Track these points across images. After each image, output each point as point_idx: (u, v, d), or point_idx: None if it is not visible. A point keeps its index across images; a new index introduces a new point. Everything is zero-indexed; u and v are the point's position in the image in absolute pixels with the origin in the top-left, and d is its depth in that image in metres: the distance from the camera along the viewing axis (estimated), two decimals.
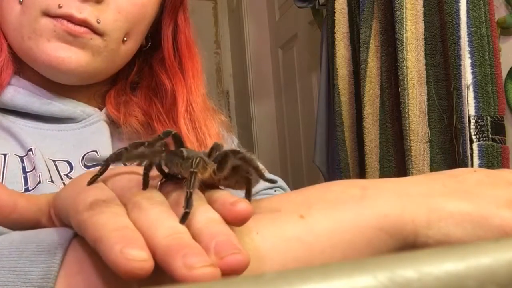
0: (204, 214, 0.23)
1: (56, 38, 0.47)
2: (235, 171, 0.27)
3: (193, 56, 0.59)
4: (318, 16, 1.71)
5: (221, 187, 0.28)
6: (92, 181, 0.26)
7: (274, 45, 2.35)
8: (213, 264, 0.20)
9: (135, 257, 0.20)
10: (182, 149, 0.27)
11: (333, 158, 1.36)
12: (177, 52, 0.58)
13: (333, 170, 1.36)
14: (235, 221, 0.23)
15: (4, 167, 0.46)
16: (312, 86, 1.91)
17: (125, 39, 0.51)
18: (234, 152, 0.27)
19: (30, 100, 0.49)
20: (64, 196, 0.27)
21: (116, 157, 0.26)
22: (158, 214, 0.23)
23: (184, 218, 0.22)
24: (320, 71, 1.49)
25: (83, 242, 0.23)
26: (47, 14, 0.46)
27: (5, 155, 0.46)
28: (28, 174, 0.46)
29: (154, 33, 0.59)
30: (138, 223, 0.22)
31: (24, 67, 0.51)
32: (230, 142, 0.65)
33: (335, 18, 1.27)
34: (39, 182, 0.45)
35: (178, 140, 0.29)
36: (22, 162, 0.47)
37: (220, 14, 2.76)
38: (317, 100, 1.53)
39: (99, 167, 0.26)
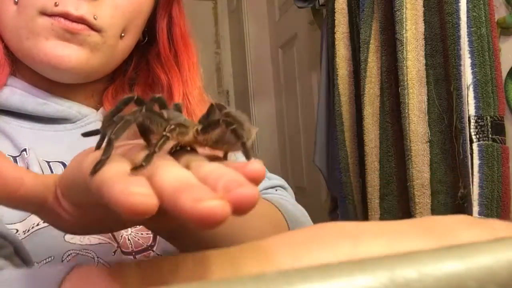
0: (211, 165, 0.23)
1: (54, 36, 0.47)
2: (221, 131, 0.26)
3: (188, 48, 0.59)
4: (318, 16, 1.71)
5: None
6: (95, 170, 0.23)
7: (274, 45, 2.35)
8: (221, 197, 0.19)
9: (138, 191, 0.19)
10: (163, 110, 0.26)
11: (333, 158, 1.36)
12: (173, 45, 0.58)
13: (333, 170, 1.36)
14: (236, 210, 0.21)
15: None
16: (312, 86, 1.91)
17: (122, 34, 0.51)
18: (219, 106, 0.27)
19: (25, 101, 0.49)
20: (69, 173, 0.26)
21: (103, 128, 0.25)
22: (165, 164, 0.23)
23: (136, 169, 0.22)
24: (320, 71, 1.49)
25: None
26: (43, 13, 0.46)
27: None
28: None
29: (150, 28, 0.58)
30: (143, 172, 0.22)
31: (20, 67, 0.51)
32: None
33: (335, 18, 1.27)
34: None
35: (163, 105, 0.28)
36: (15, 162, 0.46)
37: (220, 14, 2.76)
38: (317, 100, 1.53)
39: (101, 146, 0.25)
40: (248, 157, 0.25)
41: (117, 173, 0.21)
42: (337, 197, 1.31)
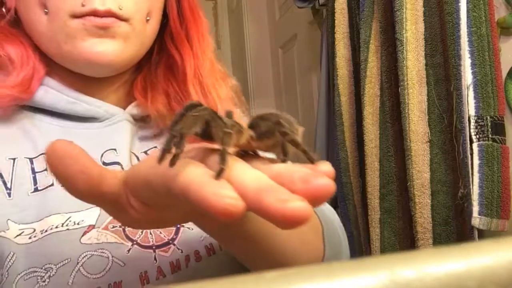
0: (281, 165, 0.24)
1: (89, 35, 0.49)
2: (270, 134, 0.27)
3: (197, 20, 0.60)
4: (318, 16, 1.71)
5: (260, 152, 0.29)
6: (174, 161, 0.24)
7: (274, 45, 2.35)
8: (303, 199, 0.20)
9: (228, 194, 0.21)
10: (220, 116, 0.27)
11: (333, 158, 1.36)
12: (183, 20, 0.59)
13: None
14: (314, 201, 0.22)
15: (12, 171, 0.47)
16: (312, 86, 1.91)
17: (148, 18, 0.54)
18: (277, 124, 0.27)
19: (56, 99, 0.52)
20: (142, 174, 0.27)
21: (173, 124, 0.25)
22: (240, 166, 0.24)
23: (220, 174, 0.22)
24: (320, 71, 1.49)
25: None
26: (73, 15, 0.49)
27: (14, 159, 0.48)
28: (37, 174, 0.48)
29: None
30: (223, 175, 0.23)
31: (55, 68, 0.53)
32: (242, 104, 0.65)
33: (335, 18, 1.27)
34: (52, 184, 0.47)
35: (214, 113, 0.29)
36: (31, 163, 0.48)
37: (220, 14, 2.76)
38: (317, 100, 1.53)
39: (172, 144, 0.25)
40: (312, 161, 0.25)
41: (203, 175, 0.22)
42: (337, 197, 1.31)
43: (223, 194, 0.21)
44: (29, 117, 0.52)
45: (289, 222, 0.20)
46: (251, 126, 0.28)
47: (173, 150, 0.24)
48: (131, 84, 0.58)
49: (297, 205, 0.20)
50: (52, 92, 0.51)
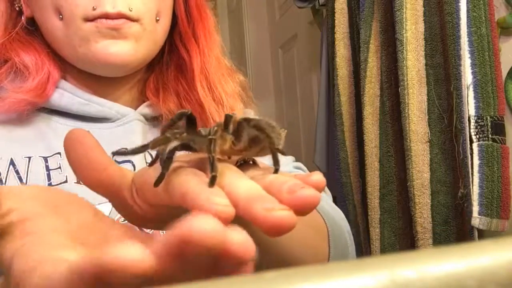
0: (274, 175, 0.26)
1: (102, 38, 0.51)
2: (255, 141, 0.28)
3: (203, 18, 0.61)
4: (318, 16, 1.71)
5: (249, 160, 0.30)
6: (159, 180, 0.26)
7: (274, 45, 2.35)
8: (289, 209, 0.22)
9: (219, 202, 0.22)
10: (199, 129, 0.28)
11: (333, 158, 1.36)
12: (190, 18, 0.60)
13: (333, 170, 1.36)
14: (300, 211, 0.23)
15: (27, 169, 0.50)
16: (312, 86, 1.90)
17: (157, 18, 0.55)
18: (247, 120, 0.28)
19: (71, 102, 0.54)
20: (148, 178, 0.28)
21: (142, 147, 0.27)
22: (235, 175, 0.25)
23: (213, 182, 0.24)
24: (320, 71, 1.49)
25: None
26: (86, 19, 0.51)
27: (29, 158, 0.51)
28: (51, 171, 0.51)
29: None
30: (219, 183, 0.25)
31: (69, 71, 0.56)
32: (250, 98, 0.66)
33: (335, 18, 1.27)
34: (65, 181, 0.50)
35: (193, 120, 0.29)
36: (46, 161, 0.51)
37: (220, 14, 2.76)
38: (317, 100, 1.53)
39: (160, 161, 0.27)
40: (276, 163, 0.27)
41: (198, 183, 0.24)
42: (337, 197, 1.31)
43: (215, 201, 0.22)
44: (45, 119, 0.54)
45: (274, 230, 0.21)
46: (237, 131, 0.29)
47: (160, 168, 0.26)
48: (144, 84, 0.60)
49: (281, 214, 0.21)
50: (66, 95, 0.54)
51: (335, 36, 1.26)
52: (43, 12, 0.53)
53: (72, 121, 0.55)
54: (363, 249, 1.23)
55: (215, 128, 0.27)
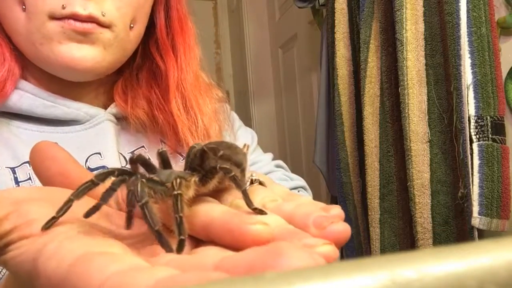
0: (289, 203, 0.23)
1: (67, 39, 0.47)
2: (222, 180, 0.25)
3: (185, 31, 0.58)
4: (318, 16, 1.71)
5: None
6: (50, 225, 0.22)
7: (274, 45, 2.35)
8: (331, 242, 0.20)
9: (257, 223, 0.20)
10: (152, 176, 0.24)
11: (333, 158, 1.36)
12: (170, 30, 0.57)
13: (333, 170, 1.36)
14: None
15: None
16: (312, 86, 1.91)
17: (131, 25, 0.51)
18: (213, 151, 0.25)
19: (33, 104, 0.49)
20: None
21: (83, 190, 0.23)
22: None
23: (181, 246, 0.21)
24: (320, 71, 1.49)
25: None
26: (52, 17, 0.46)
27: None
28: (21, 183, 0.46)
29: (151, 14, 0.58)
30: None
31: (31, 69, 0.51)
32: (225, 117, 0.63)
33: (335, 18, 1.27)
34: None
35: (144, 160, 0.26)
36: (14, 173, 0.46)
37: (220, 14, 2.76)
38: (317, 100, 1.53)
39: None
40: (249, 205, 0.23)
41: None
42: (337, 197, 1.31)
43: (252, 221, 0.20)
44: (5, 124, 0.49)
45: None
46: (193, 166, 0.25)
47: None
48: (112, 85, 0.56)
49: (327, 249, 0.19)
50: (28, 96, 0.49)
51: (335, 36, 1.27)
52: None
53: (36, 125, 0.50)
54: (363, 249, 1.23)
55: (177, 179, 0.23)
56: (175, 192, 0.22)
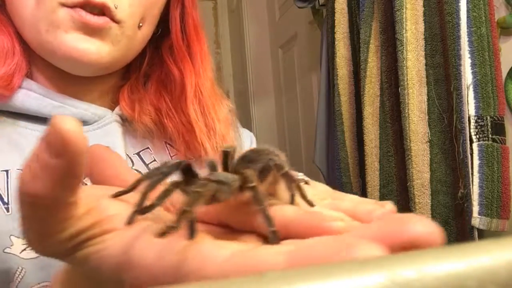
0: (348, 201, 0.23)
1: (74, 29, 0.45)
2: (263, 172, 0.24)
3: (200, 39, 0.58)
4: (318, 16, 1.71)
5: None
6: (133, 220, 0.22)
7: (274, 45, 2.35)
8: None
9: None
10: (209, 176, 0.23)
11: (333, 158, 1.36)
12: (185, 36, 0.57)
13: (333, 170, 1.36)
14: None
15: (7, 184, 0.45)
16: (312, 86, 1.91)
17: (140, 24, 0.51)
18: (264, 151, 0.25)
19: (41, 104, 0.48)
20: None
21: (147, 208, 0.22)
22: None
23: (276, 237, 0.20)
24: (320, 71, 1.49)
25: None
26: (63, 4, 0.45)
27: (7, 171, 0.45)
28: None
29: (162, 19, 0.57)
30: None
31: (38, 65, 0.50)
32: (237, 128, 0.63)
33: (335, 18, 1.27)
34: None
35: (227, 157, 0.25)
36: None
37: (220, 14, 2.76)
38: (317, 100, 1.53)
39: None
40: (309, 203, 0.23)
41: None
42: None
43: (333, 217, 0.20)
44: (12, 125, 0.48)
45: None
46: (244, 160, 0.25)
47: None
48: (116, 88, 0.56)
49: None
50: (35, 96, 0.48)
51: (335, 36, 1.27)
52: None
53: (43, 125, 0.48)
54: None
55: (249, 172, 0.23)
56: (251, 185, 0.22)
